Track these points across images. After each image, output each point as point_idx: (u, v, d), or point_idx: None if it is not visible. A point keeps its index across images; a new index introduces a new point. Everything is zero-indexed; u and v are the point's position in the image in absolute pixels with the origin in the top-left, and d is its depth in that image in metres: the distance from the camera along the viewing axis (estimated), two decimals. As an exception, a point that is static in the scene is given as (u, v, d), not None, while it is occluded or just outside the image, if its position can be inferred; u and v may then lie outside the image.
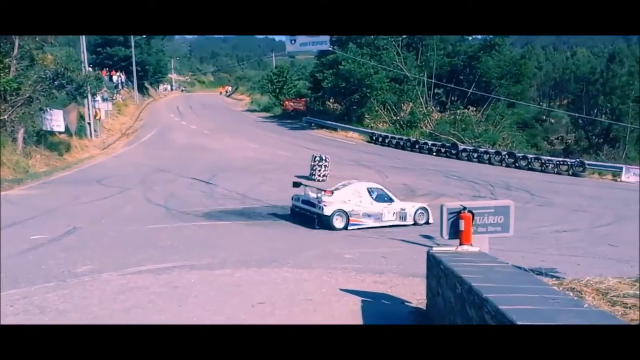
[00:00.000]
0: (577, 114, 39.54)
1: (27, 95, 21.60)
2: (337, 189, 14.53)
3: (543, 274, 8.69)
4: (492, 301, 4.34)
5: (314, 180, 21.05)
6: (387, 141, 34.90)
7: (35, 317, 6.70)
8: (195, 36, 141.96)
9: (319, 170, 21.31)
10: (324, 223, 13.56)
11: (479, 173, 24.43)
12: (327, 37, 27.55)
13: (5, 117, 21.07)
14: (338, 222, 13.66)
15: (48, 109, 24.17)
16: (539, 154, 32.41)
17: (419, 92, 40.66)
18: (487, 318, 4.18)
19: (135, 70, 53.93)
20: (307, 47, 29.61)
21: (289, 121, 45.58)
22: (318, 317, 6.91)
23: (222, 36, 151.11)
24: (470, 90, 39.17)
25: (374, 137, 36.04)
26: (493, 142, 34.64)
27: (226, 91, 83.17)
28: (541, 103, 50.93)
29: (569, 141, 43.06)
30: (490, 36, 41.90)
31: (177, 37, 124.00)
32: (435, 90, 41.75)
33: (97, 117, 32.32)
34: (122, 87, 53.43)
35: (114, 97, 43.96)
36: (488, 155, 30.06)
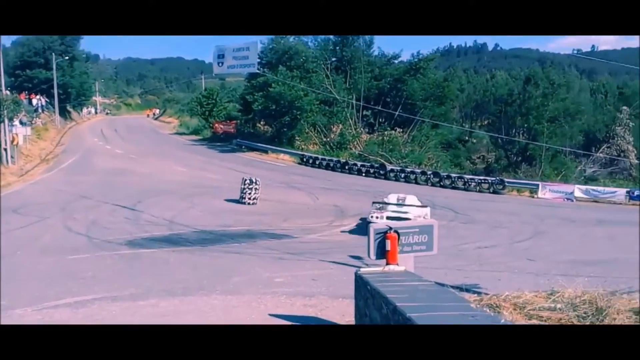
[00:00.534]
0: (496, 134, 41.40)
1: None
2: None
3: (465, 291, 9.00)
4: (414, 320, 4.46)
5: (245, 203, 20.87)
6: (317, 163, 35.20)
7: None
8: (121, 58, 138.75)
9: (250, 193, 21.13)
10: None
11: (406, 193, 24.99)
12: (255, 60, 27.54)
13: None
14: None
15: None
16: (462, 173, 33.56)
17: (348, 114, 41.39)
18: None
19: (56, 93, 51.65)
20: (235, 69, 29.33)
21: (219, 144, 45.09)
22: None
23: (149, 58, 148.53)
24: (397, 113, 40.29)
25: (305, 159, 36.26)
26: (419, 162, 35.64)
27: (154, 114, 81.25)
28: (464, 124, 53.00)
29: (490, 160, 44.92)
30: (416, 59, 43.46)
31: (102, 58, 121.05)
32: (364, 112, 42.64)
33: (15, 143, 30.64)
34: (43, 110, 51.03)
35: (33, 121, 41.92)
36: (414, 175, 30.93)
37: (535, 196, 28.20)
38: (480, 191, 28.70)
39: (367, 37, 44.74)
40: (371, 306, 6.27)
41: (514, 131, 41.44)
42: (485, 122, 52.96)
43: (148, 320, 7.84)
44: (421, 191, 27.08)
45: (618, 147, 41.20)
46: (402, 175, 31.19)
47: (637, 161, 39.86)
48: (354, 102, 41.44)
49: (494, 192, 28.52)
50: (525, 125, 39.90)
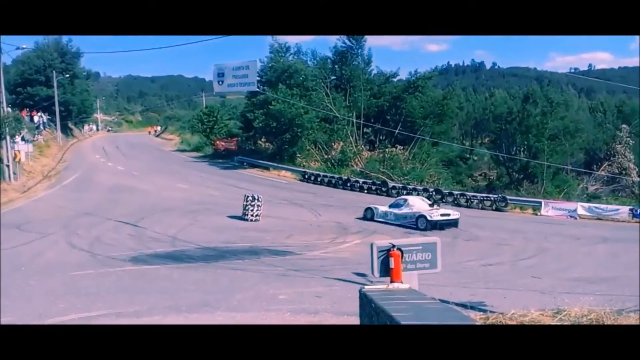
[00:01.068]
0: (497, 152, 41.52)
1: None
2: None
3: (470, 308, 8.97)
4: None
5: (247, 220, 20.86)
6: (319, 179, 35.24)
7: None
8: (122, 75, 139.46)
9: (252, 210, 21.13)
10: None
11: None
12: (254, 79, 27.76)
13: None
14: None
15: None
16: (464, 190, 33.62)
17: (348, 132, 41.55)
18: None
19: (58, 110, 51.93)
20: (235, 88, 29.51)
21: (220, 161, 45.19)
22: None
23: (149, 75, 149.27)
24: (397, 130, 40.45)
25: (306, 176, 36.29)
26: (420, 180, 35.69)
27: (155, 131, 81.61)
28: (464, 142, 53.17)
29: (492, 177, 44.97)
30: (413, 77, 43.71)
31: (102, 75, 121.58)
32: (364, 130, 42.79)
33: (17, 159, 30.74)
34: (44, 127, 51.26)
35: (35, 138, 42.11)
36: (416, 192, 30.92)
37: (538, 214, 28.16)
38: (482, 208, 28.66)
39: (365, 55, 45.21)
40: (376, 324, 6.26)
41: (514, 149, 41.55)
42: (486, 140, 53.13)
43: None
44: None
45: (619, 165, 41.30)
46: (404, 192, 31.18)
47: (638, 179, 39.90)
48: (354, 119, 41.63)
49: (497, 210, 28.48)
50: (526, 143, 40.00)
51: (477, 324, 5.29)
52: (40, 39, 56.05)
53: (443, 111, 43.24)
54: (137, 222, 19.85)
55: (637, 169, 40.92)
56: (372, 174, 35.96)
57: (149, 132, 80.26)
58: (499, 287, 12.31)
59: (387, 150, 39.45)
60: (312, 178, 35.69)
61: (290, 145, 40.02)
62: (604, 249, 19.28)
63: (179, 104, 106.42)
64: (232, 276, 13.00)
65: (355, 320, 7.82)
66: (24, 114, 46.36)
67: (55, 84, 52.14)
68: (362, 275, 12.58)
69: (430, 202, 22.57)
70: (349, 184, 33.60)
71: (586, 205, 28.80)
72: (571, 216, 27.46)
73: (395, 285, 7.07)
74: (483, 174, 47.05)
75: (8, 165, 29.10)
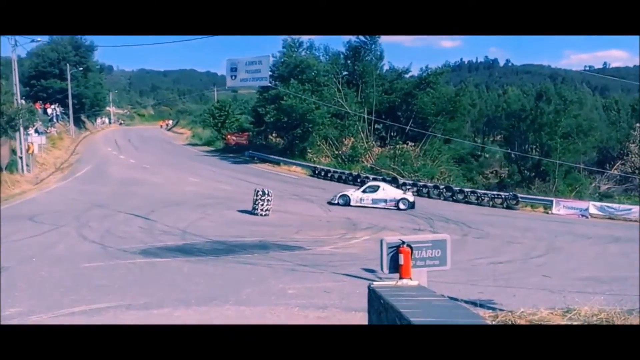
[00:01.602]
0: (509, 149, 41.26)
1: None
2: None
3: (479, 306, 8.94)
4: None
5: (257, 215, 20.91)
6: (329, 175, 35.22)
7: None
8: (134, 69, 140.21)
9: (262, 205, 21.18)
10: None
11: (418, 206, 24.96)
12: (267, 73, 27.79)
13: None
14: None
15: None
16: (475, 187, 33.44)
17: (359, 128, 41.47)
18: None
19: (71, 103, 52.38)
20: (247, 82, 29.63)
21: (231, 155, 45.33)
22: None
23: (162, 69, 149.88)
24: (408, 127, 40.29)
25: (317, 171, 36.29)
26: (431, 176, 35.55)
27: (167, 125, 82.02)
28: (476, 139, 52.86)
29: (503, 175, 44.71)
30: (425, 73, 43.50)
31: (116, 69, 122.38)
32: (375, 126, 42.65)
33: (30, 151, 31.03)
34: (57, 120, 51.71)
35: (48, 131, 42.43)
36: (427, 189, 30.82)
37: (550, 212, 27.97)
38: (493, 206, 28.51)
39: (377, 51, 44.98)
40: (384, 320, 6.24)
41: (526, 146, 41.29)
42: (498, 137, 52.79)
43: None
44: (434, 205, 27.07)
45: (632, 164, 40.89)
46: (415, 189, 31.07)
47: (651, 178, 39.49)
48: (366, 115, 41.54)
49: (508, 208, 28.31)
50: (538, 141, 39.71)
51: (487, 322, 5.26)
52: (54, 32, 56.39)
53: (455, 108, 43.00)
54: (148, 215, 19.97)
55: (650, 169, 40.48)
56: (382, 170, 35.88)
57: (161, 126, 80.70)
58: (509, 285, 12.25)
59: (398, 146, 39.32)
60: (323, 174, 35.68)
61: (301, 141, 40.04)
62: (615, 248, 19.12)
63: (190, 98, 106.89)
64: (241, 270, 13.05)
65: (363, 316, 7.84)
66: (38, 106, 46.67)
67: (69, 77, 52.52)
68: (371, 271, 12.59)
69: (395, 186, 27.87)
70: (359, 180, 33.53)
71: (598, 204, 28.55)
72: (583, 215, 27.25)
73: (404, 281, 7.07)
74: (494, 172, 46.78)
75: (21, 157, 29.39)
